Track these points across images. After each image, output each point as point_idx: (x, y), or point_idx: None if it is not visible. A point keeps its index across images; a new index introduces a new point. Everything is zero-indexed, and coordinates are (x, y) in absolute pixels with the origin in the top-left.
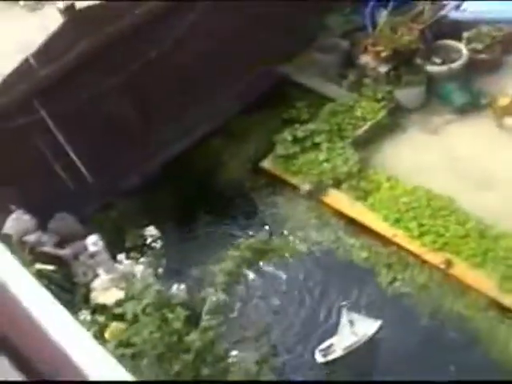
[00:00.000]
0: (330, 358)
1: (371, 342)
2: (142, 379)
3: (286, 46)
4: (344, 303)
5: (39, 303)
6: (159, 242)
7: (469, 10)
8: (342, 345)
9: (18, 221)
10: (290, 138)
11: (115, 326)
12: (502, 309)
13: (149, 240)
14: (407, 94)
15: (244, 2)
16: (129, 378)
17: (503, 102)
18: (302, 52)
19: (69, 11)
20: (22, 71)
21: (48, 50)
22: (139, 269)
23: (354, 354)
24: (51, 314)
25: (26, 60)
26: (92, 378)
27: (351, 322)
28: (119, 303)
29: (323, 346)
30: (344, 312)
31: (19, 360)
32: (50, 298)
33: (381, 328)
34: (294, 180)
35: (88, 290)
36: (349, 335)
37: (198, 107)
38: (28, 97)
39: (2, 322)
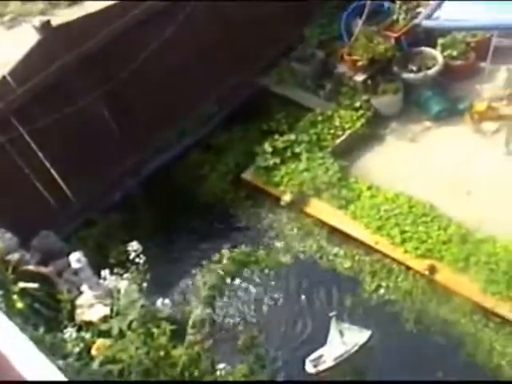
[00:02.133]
0: (321, 368)
1: (361, 352)
2: None
3: (263, 56)
4: (333, 313)
5: None
6: (142, 257)
7: (442, 18)
8: (333, 355)
9: (0, 239)
10: (269, 149)
11: (101, 342)
12: (487, 312)
13: (132, 255)
14: (384, 102)
15: (221, 12)
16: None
17: (480, 107)
18: (279, 63)
19: (44, 28)
20: (0, 89)
21: (24, 68)
22: (124, 284)
23: (343, 364)
24: None
25: (3, 78)
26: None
27: (341, 332)
28: (105, 319)
29: (313, 356)
30: (333, 322)
31: None
32: None
33: (371, 337)
34: (275, 191)
35: (73, 306)
36: (339, 345)
37: (178, 121)
38: (6, 115)
39: None
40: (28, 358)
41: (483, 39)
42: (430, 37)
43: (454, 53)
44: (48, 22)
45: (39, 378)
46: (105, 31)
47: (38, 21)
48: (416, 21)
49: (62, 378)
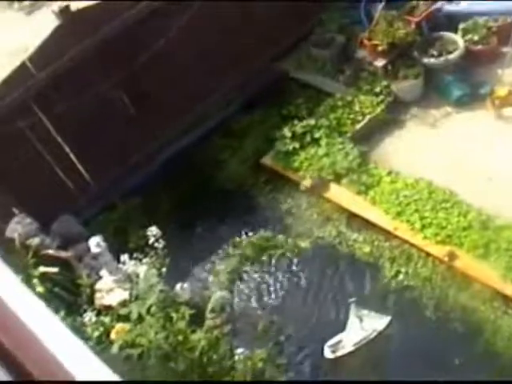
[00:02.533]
0: (339, 353)
1: (380, 338)
2: (148, 379)
3: (282, 42)
4: (352, 299)
5: (28, 307)
6: (162, 241)
7: (464, 2)
8: (351, 341)
9: (20, 224)
10: (289, 134)
11: (121, 326)
12: (506, 299)
13: (151, 240)
14: (405, 88)
15: None
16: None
17: (501, 92)
18: (298, 48)
19: (64, 13)
20: (20, 74)
21: (44, 53)
22: (143, 269)
23: (362, 350)
24: (41, 318)
25: (23, 63)
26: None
27: (360, 318)
28: (124, 304)
29: (332, 341)
30: (352, 308)
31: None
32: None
33: (390, 324)
34: (294, 176)
35: (92, 291)
36: (358, 331)
37: (198, 105)
38: (26, 100)
39: None
40: (77, 356)
41: (505, 24)
42: (451, 21)
43: (476, 37)
44: (67, 7)
45: (89, 377)
46: (124, 16)
47: (57, 6)
48: (437, 5)
49: (112, 376)
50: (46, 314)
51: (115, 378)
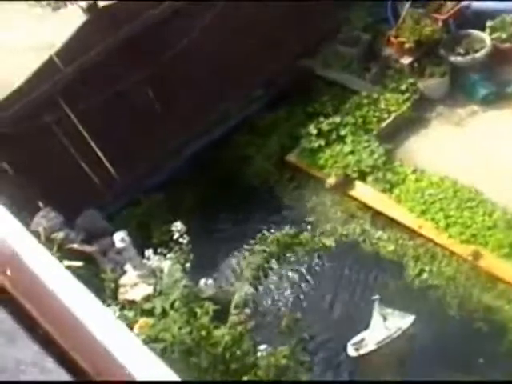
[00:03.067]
0: (362, 352)
1: (403, 337)
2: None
3: (310, 39)
4: (376, 297)
5: (82, 302)
6: (186, 237)
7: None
8: (375, 339)
9: (45, 218)
10: (314, 131)
11: (144, 321)
12: None
13: (176, 235)
14: (431, 86)
15: None
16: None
17: None
18: (325, 46)
19: (91, 9)
20: (47, 69)
21: (71, 48)
22: (167, 264)
23: (385, 348)
24: (97, 315)
25: (51, 58)
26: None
27: (384, 317)
28: (148, 299)
29: (355, 339)
30: (376, 306)
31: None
32: (92, 297)
33: (414, 323)
34: (319, 173)
35: (116, 286)
36: (381, 329)
37: (223, 103)
38: (53, 95)
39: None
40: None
41: None
42: (479, 19)
43: (504, 35)
44: (95, 3)
45: (149, 377)
46: (149, 14)
47: (84, 2)
48: (465, 3)
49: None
50: (101, 310)
51: (174, 377)
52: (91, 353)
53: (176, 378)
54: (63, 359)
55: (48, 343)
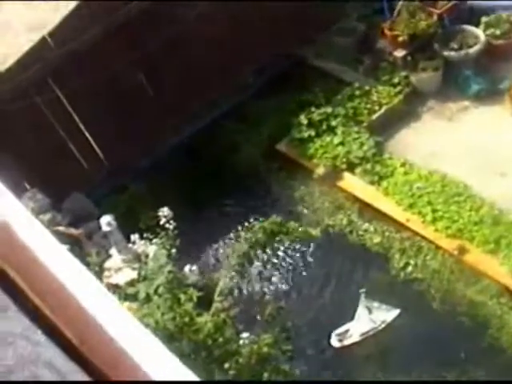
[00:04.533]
0: (346, 342)
1: (387, 329)
2: None
3: (305, 29)
4: (362, 290)
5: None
6: (173, 223)
7: None
8: (359, 330)
9: (32, 200)
10: (305, 121)
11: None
12: None
13: (162, 221)
14: (423, 79)
15: None
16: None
17: None
18: (319, 36)
19: None
20: (39, 50)
21: (64, 30)
22: (152, 249)
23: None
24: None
25: (43, 39)
26: (154, 378)
27: (369, 309)
28: (132, 283)
29: (340, 330)
30: (362, 298)
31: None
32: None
33: (399, 316)
34: (308, 163)
35: (101, 269)
36: (366, 322)
37: (214, 89)
38: (44, 76)
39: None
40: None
41: None
42: (474, 15)
43: (498, 32)
44: None
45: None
46: None
47: None
48: None
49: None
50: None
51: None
52: (81, 326)
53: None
54: (52, 332)
55: (38, 316)
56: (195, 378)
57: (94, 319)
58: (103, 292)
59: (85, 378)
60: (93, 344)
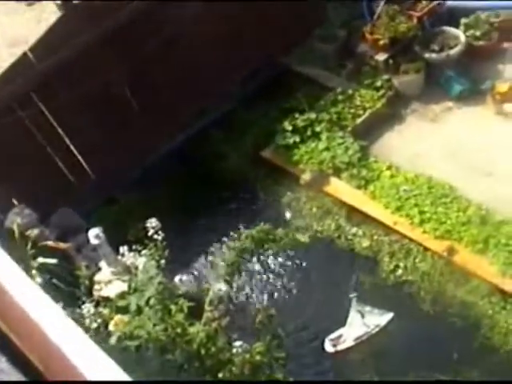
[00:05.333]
0: (340, 347)
1: (380, 333)
2: (146, 371)
3: (287, 35)
4: (353, 294)
5: (37, 304)
6: (161, 233)
7: None
8: (353, 335)
9: (19, 215)
10: (289, 127)
11: (119, 318)
12: (504, 295)
13: (151, 232)
14: (406, 82)
15: None
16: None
17: (502, 88)
18: (302, 42)
19: (66, 5)
20: (21, 65)
21: (46, 44)
22: (142, 261)
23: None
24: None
25: (25, 54)
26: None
27: (361, 314)
28: (122, 295)
29: (333, 335)
30: (353, 303)
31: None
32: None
33: (392, 320)
34: (294, 169)
35: (91, 282)
36: (360, 326)
37: (200, 98)
38: (27, 91)
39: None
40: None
41: (507, 19)
42: (453, 16)
43: (477, 33)
44: None
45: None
46: (127, 8)
47: None
48: (439, 0)
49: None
50: (56, 311)
51: (122, 375)
52: (45, 354)
53: (127, 378)
54: (17, 360)
55: (4, 344)
56: (128, 379)
57: (58, 347)
58: (67, 321)
59: None
60: (56, 370)
